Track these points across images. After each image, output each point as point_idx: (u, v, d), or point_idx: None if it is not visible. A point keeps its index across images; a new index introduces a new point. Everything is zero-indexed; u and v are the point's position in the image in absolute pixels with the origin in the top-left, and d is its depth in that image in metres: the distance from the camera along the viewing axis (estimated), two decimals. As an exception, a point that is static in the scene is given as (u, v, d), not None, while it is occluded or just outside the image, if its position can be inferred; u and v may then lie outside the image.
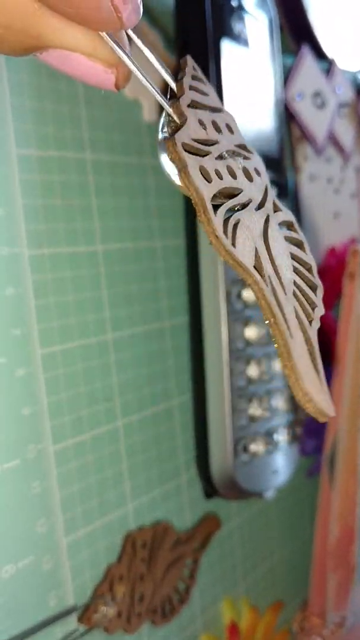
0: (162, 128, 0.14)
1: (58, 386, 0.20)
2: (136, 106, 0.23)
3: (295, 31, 0.29)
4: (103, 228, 0.22)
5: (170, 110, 0.14)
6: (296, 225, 0.16)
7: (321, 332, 0.32)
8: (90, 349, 0.21)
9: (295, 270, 0.14)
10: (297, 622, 0.33)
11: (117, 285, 0.23)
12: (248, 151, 0.16)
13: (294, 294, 0.14)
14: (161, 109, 0.15)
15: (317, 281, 0.15)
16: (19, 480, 0.19)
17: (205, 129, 0.15)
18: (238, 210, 0.14)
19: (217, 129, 0.15)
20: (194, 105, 0.15)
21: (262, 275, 0.13)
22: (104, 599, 0.22)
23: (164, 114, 0.15)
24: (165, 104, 0.14)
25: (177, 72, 0.16)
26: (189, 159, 0.13)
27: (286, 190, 0.27)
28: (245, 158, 0.16)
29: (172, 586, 0.25)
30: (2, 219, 0.19)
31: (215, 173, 0.14)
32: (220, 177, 0.14)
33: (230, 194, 0.14)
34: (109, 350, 0.22)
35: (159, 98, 0.14)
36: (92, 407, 0.22)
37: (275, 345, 0.13)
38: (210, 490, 0.26)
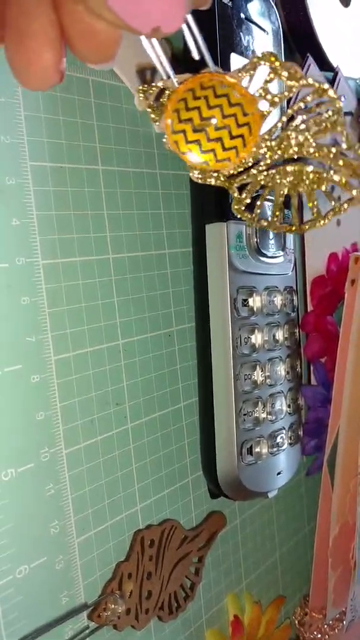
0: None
1: (71, 391, 0.21)
2: (146, 118, 0.24)
3: (299, 41, 0.30)
4: (114, 237, 0.23)
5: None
6: None
7: (323, 337, 0.32)
8: (101, 355, 0.22)
9: None
10: (297, 618, 0.34)
11: (127, 293, 0.23)
12: None
13: None
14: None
15: None
16: (33, 483, 0.20)
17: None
18: None
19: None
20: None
21: None
22: (113, 597, 0.22)
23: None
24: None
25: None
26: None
27: (289, 199, 0.28)
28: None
29: (179, 583, 0.26)
30: (18, 229, 0.19)
31: None
32: None
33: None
34: (120, 355, 0.23)
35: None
36: (103, 411, 0.22)
37: None
38: (215, 491, 0.27)
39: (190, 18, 0.14)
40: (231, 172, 0.14)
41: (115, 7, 0.12)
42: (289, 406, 0.28)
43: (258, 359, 0.26)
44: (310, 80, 0.14)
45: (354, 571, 0.31)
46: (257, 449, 0.26)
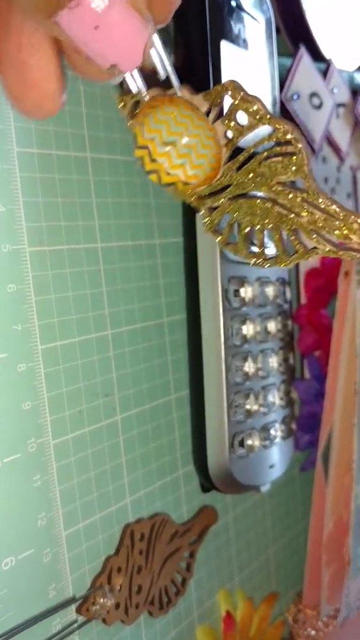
0: None
1: (58, 381, 0.21)
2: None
3: (292, 31, 0.30)
4: (103, 225, 0.22)
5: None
6: None
7: (317, 330, 0.32)
8: (90, 345, 0.22)
9: None
10: (291, 614, 0.34)
11: (117, 282, 0.23)
12: None
13: None
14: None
15: None
16: (20, 474, 0.19)
17: None
18: None
19: None
20: None
21: None
22: (102, 591, 0.22)
23: None
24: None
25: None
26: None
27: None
28: None
29: (169, 578, 0.25)
30: (4, 216, 0.19)
31: None
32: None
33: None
34: (109, 345, 0.23)
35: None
36: (91, 402, 0.22)
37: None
38: (207, 484, 0.26)
39: (156, 37, 0.14)
40: (202, 193, 0.14)
41: (72, 36, 0.12)
42: (281, 399, 0.28)
43: (249, 350, 0.26)
44: (271, 119, 0.14)
45: (347, 567, 0.31)
46: (249, 442, 0.26)
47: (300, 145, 0.14)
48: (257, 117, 0.13)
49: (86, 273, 0.22)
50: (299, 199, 0.14)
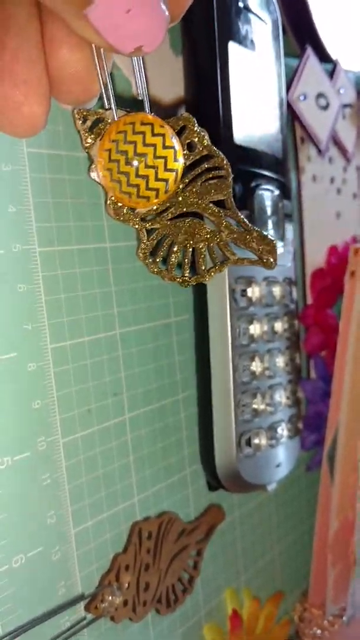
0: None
1: (68, 380, 0.21)
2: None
3: (299, 32, 0.30)
4: (112, 226, 0.22)
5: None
6: None
7: (323, 330, 0.32)
8: (99, 344, 0.22)
9: None
10: (297, 614, 0.34)
11: (125, 282, 0.23)
12: None
13: None
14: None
15: None
16: (30, 472, 0.19)
17: None
18: None
19: None
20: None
21: None
22: (110, 589, 0.22)
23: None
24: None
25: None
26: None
27: (289, 190, 0.28)
28: None
29: (177, 576, 0.25)
30: (14, 216, 0.19)
31: None
32: None
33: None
34: (117, 345, 0.23)
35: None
36: (100, 401, 0.22)
37: None
38: (214, 483, 0.26)
39: (139, 58, 0.14)
40: (144, 215, 0.15)
41: (99, 27, 0.12)
42: (288, 398, 0.28)
43: (257, 350, 0.26)
44: (212, 148, 0.15)
45: (353, 567, 0.31)
46: (256, 441, 0.26)
47: (230, 170, 0.16)
48: (203, 145, 0.15)
49: (95, 273, 0.22)
50: (223, 216, 0.16)
